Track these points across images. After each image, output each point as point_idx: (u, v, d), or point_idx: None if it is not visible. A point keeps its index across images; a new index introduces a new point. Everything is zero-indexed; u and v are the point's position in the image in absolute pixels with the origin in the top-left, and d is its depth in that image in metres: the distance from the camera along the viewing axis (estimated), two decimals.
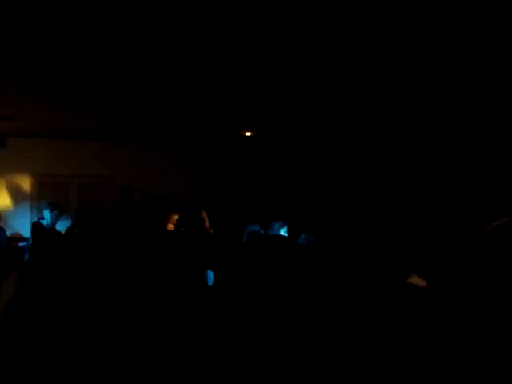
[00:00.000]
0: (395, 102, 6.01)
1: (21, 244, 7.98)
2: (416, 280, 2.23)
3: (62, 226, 6.32)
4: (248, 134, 8.47)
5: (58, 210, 6.45)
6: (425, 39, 3.80)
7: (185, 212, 5.21)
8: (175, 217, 5.62)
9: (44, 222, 6.38)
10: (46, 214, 6.40)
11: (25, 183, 8.99)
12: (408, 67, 4.51)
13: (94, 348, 1.85)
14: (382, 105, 6.15)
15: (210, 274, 4.41)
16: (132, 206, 6.29)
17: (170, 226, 5.76)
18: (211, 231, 5.63)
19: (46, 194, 8.69)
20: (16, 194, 8.89)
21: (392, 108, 6.33)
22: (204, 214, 5.67)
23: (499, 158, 6.87)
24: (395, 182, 8.40)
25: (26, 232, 8.30)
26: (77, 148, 9.07)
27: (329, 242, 5.66)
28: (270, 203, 9.06)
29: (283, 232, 5.50)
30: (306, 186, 9.64)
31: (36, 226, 6.36)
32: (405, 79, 4.95)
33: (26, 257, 6.82)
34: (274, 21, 3.42)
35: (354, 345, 2.09)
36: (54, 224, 6.36)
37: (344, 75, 4.86)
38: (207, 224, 5.64)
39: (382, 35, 3.72)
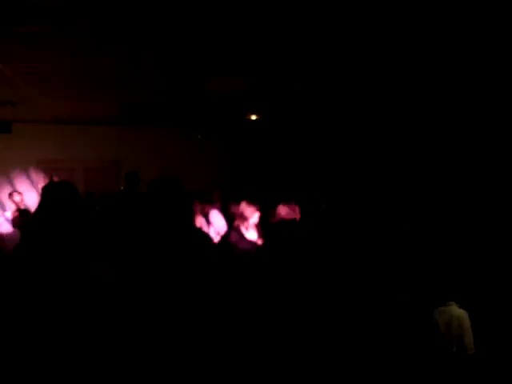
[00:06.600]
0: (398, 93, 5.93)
1: None
2: None
3: None
4: (253, 117, 8.40)
5: None
6: (426, 39, 3.76)
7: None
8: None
9: None
10: None
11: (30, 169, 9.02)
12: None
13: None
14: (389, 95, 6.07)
15: None
16: (138, 193, 6.18)
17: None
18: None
19: (52, 180, 8.70)
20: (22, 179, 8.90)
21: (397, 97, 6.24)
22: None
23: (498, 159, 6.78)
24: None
25: None
26: (82, 133, 9.07)
27: None
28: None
29: None
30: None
31: None
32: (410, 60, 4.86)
33: None
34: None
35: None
36: None
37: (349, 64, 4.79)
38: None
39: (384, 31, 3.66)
